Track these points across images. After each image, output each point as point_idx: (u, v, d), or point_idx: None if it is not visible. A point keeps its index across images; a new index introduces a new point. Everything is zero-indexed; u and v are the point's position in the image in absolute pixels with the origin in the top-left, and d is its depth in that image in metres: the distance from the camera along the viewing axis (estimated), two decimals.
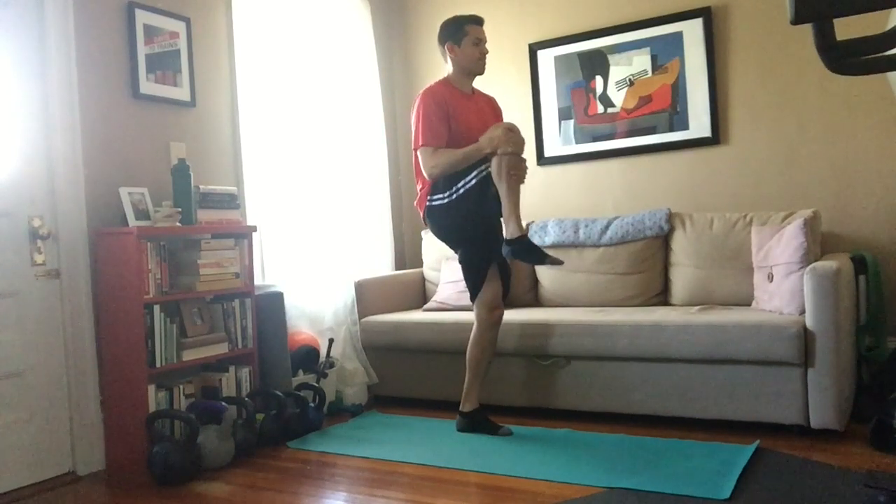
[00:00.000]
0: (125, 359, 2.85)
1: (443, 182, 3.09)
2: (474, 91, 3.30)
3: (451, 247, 3.27)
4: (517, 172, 2.96)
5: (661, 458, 2.64)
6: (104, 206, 2.99)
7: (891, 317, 3.32)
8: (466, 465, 2.70)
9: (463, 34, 3.16)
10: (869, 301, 3.22)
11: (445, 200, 3.09)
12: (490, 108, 3.33)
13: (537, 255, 2.97)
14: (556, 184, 4.21)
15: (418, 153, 3.11)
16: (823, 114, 3.54)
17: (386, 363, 3.76)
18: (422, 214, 3.25)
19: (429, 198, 3.15)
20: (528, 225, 3.98)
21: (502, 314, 3.15)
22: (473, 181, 3.01)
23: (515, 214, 2.95)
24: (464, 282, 3.19)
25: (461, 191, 3.04)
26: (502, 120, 3.30)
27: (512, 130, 2.95)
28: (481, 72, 3.22)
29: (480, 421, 3.11)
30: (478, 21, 3.19)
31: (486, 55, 3.20)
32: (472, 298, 3.12)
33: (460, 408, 3.17)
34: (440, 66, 4.54)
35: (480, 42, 3.17)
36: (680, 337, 2.96)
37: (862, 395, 3.01)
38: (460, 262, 3.16)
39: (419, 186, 3.23)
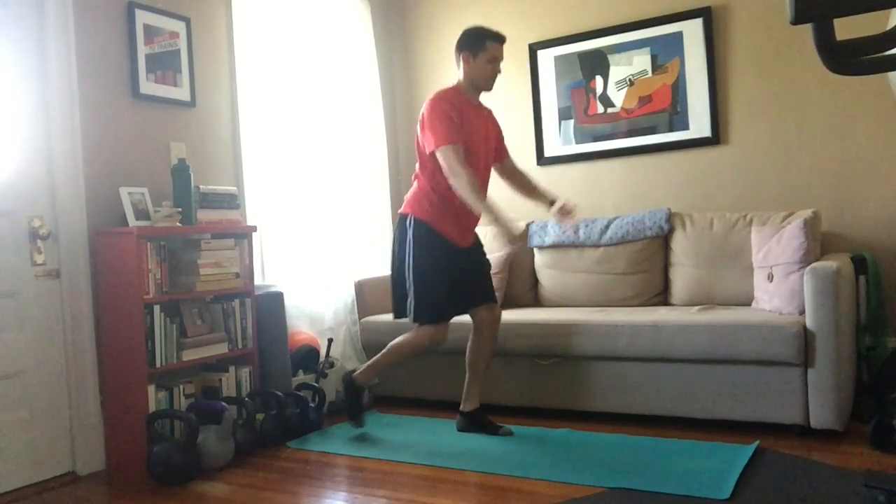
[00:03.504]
0: (125, 359, 2.85)
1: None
2: (480, 104, 3.18)
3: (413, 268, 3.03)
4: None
5: (661, 458, 2.64)
6: (104, 206, 2.99)
7: (891, 317, 3.32)
8: (466, 465, 2.71)
9: (481, 48, 3.03)
10: (869, 301, 3.21)
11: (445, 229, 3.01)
12: (493, 126, 3.22)
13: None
14: (556, 184, 4.19)
15: (440, 153, 2.90)
16: (823, 114, 3.54)
17: None
18: (409, 215, 3.05)
19: (429, 204, 3.02)
20: (528, 225, 3.99)
21: (500, 315, 3.17)
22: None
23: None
24: None
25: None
26: (501, 136, 3.27)
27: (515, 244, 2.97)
28: (489, 89, 3.11)
29: (480, 421, 3.11)
30: (499, 39, 3.07)
31: (498, 75, 3.10)
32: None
33: (461, 407, 3.17)
34: (439, 66, 4.57)
35: (496, 61, 3.04)
36: (680, 337, 2.96)
37: (862, 395, 3.01)
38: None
39: (415, 183, 3.11)
